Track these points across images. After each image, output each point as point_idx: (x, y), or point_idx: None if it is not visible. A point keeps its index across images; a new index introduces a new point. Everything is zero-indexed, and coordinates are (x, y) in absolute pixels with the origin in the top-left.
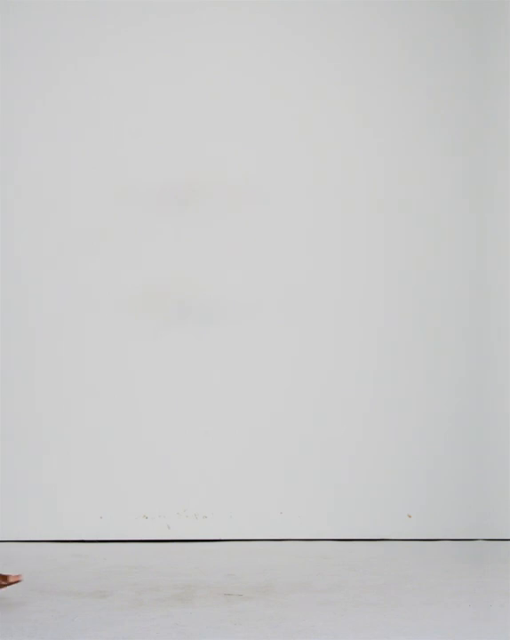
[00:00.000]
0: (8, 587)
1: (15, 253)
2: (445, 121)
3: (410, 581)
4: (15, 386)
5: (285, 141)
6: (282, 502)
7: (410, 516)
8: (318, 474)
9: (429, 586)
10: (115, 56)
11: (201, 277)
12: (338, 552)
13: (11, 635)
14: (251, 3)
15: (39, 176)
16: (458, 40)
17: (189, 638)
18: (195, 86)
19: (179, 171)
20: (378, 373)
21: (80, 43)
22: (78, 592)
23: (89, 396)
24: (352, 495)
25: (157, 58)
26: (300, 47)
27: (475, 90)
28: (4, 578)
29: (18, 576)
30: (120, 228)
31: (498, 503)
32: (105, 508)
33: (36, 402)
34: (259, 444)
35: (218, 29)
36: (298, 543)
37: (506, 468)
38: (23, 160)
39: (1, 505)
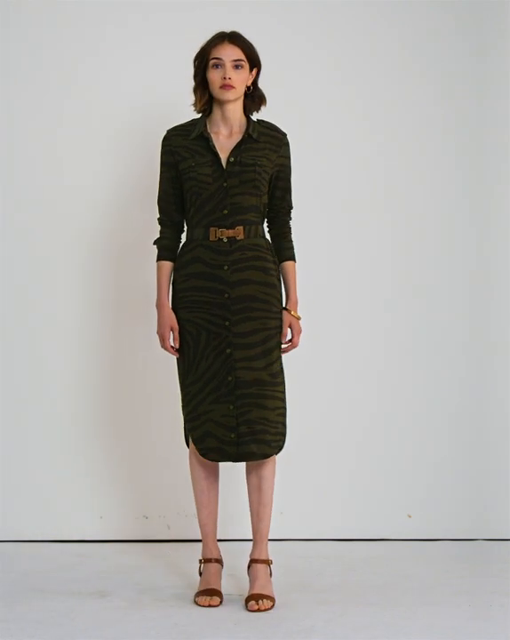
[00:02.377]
0: None
1: (15, 253)
2: (445, 121)
3: (410, 581)
4: (15, 386)
5: None
6: (283, 502)
7: (410, 516)
8: (318, 474)
9: (429, 586)
10: (116, 55)
11: None
12: (338, 552)
13: (11, 635)
14: (251, 3)
15: (40, 175)
16: (458, 40)
17: (189, 638)
18: None
19: None
20: (378, 374)
21: (80, 42)
22: (78, 592)
23: (89, 395)
24: (352, 495)
25: (158, 57)
26: (300, 47)
27: (475, 90)
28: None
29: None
30: (121, 228)
31: (498, 503)
32: (105, 508)
33: (37, 402)
34: None
35: (218, 29)
36: (298, 543)
37: (506, 468)
38: (23, 159)
39: (1, 505)
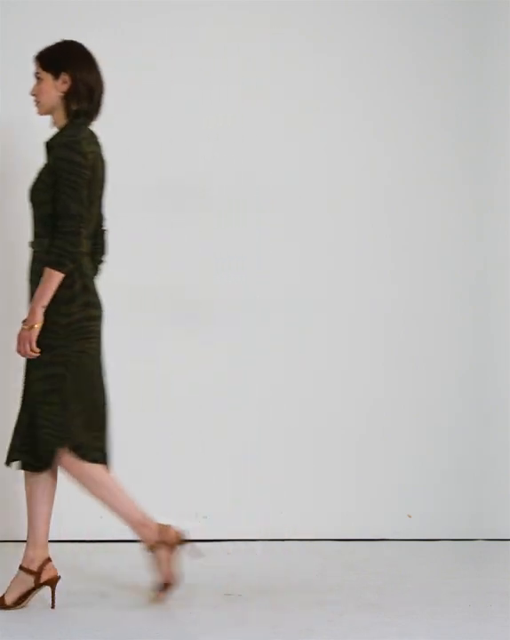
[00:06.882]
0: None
1: (14, 252)
2: (445, 121)
3: (410, 581)
4: (15, 386)
5: (285, 142)
6: (283, 502)
7: (410, 516)
8: (318, 474)
9: (429, 586)
10: (115, 54)
11: (201, 276)
12: (338, 552)
13: (10, 635)
14: (252, 3)
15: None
16: (458, 40)
17: (189, 638)
18: (196, 85)
19: (178, 170)
20: (378, 375)
21: (79, 39)
22: (78, 592)
23: None
24: (352, 495)
25: (157, 56)
26: (300, 47)
27: (475, 90)
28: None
29: None
30: (120, 227)
31: (498, 503)
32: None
33: None
34: (259, 444)
35: (218, 29)
36: (299, 543)
37: (506, 467)
38: (22, 158)
39: (1, 505)
